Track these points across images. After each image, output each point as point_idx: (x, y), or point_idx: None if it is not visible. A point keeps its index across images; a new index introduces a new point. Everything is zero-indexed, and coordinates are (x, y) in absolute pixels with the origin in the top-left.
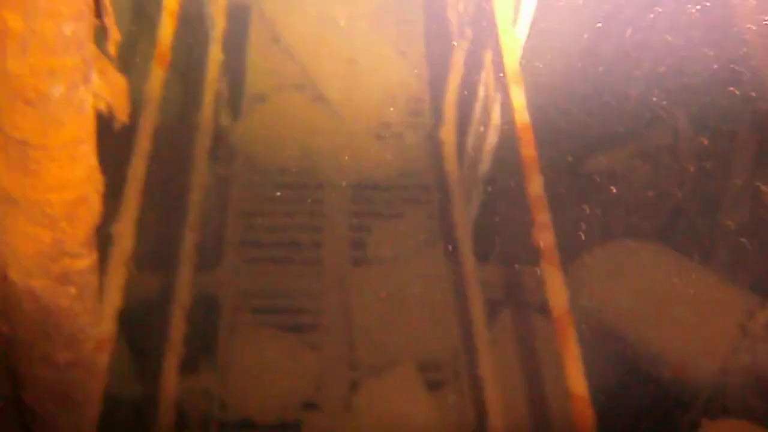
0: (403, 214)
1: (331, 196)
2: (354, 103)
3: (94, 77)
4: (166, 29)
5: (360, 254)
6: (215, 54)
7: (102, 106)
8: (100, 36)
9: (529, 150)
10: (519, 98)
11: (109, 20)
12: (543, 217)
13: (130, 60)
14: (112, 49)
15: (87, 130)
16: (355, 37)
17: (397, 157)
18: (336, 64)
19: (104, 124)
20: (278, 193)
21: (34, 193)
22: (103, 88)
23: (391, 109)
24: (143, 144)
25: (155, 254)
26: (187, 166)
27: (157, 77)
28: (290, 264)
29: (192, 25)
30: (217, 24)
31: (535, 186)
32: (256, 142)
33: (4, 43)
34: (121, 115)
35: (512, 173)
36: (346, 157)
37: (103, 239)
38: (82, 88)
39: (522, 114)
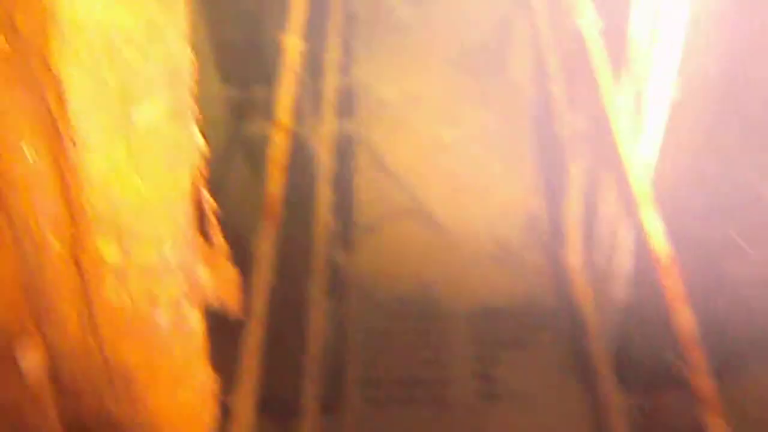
0: (531, 343)
1: (452, 326)
2: (467, 225)
3: (205, 274)
4: (275, 184)
5: (488, 389)
6: (324, 193)
7: (214, 304)
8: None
9: (671, 279)
10: (652, 222)
11: (214, 231)
12: (696, 356)
13: (239, 212)
14: (219, 260)
15: (198, 351)
16: (463, 158)
17: (517, 280)
18: (445, 186)
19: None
20: (397, 327)
21: (144, 420)
22: (215, 285)
23: (507, 229)
24: (259, 307)
25: (277, 402)
26: (305, 308)
27: (268, 235)
28: (415, 403)
29: (299, 166)
30: (324, 161)
31: (683, 320)
32: (370, 274)
33: (100, 274)
34: (235, 310)
35: (652, 301)
36: (464, 283)
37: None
38: (191, 312)
39: (659, 240)
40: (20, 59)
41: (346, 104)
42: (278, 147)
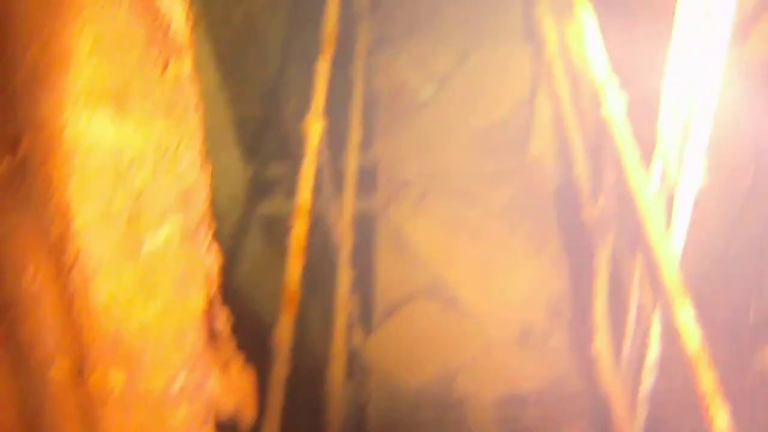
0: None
1: (476, 412)
2: (490, 308)
3: (216, 381)
4: (294, 271)
5: None
6: (344, 275)
7: (227, 414)
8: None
9: (703, 371)
10: (682, 310)
11: (227, 342)
12: None
13: (256, 292)
14: (232, 370)
15: None
16: (486, 238)
17: (542, 365)
18: (467, 267)
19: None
20: (418, 413)
21: None
22: (227, 396)
23: (530, 312)
24: (276, 395)
25: None
26: (323, 393)
27: (286, 324)
28: None
29: (318, 246)
30: (344, 242)
31: (717, 414)
32: (390, 358)
33: (105, 402)
34: (249, 418)
35: (682, 392)
36: (487, 368)
37: None
38: None
39: (689, 329)
40: (25, 182)
41: (367, 183)
42: (298, 231)
